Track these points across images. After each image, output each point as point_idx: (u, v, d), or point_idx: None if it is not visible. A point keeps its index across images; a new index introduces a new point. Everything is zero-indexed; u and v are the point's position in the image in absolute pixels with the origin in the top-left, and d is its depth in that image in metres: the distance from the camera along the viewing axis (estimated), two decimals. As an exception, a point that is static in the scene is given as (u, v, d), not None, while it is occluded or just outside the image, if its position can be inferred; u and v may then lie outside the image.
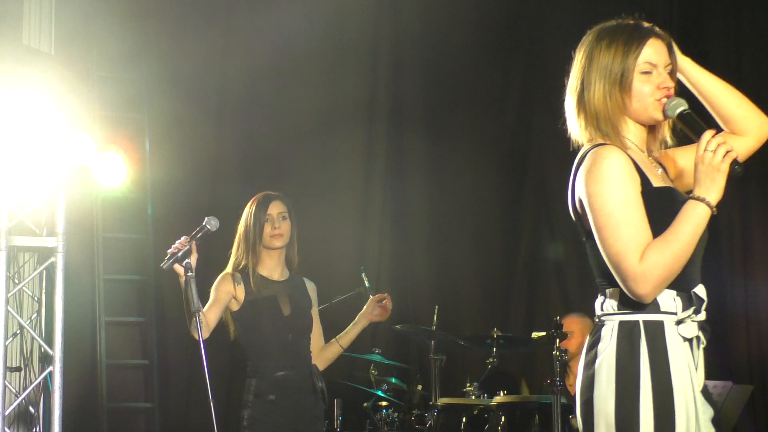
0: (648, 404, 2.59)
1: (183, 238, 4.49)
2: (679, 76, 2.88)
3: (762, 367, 6.92)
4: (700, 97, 2.91)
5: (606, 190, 2.63)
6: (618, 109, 2.75)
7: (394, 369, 6.50)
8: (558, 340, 5.40)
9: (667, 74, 2.77)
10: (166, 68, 7.05)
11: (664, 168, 2.86)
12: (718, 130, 2.75)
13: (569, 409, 5.61)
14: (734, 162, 2.59)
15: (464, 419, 5.66)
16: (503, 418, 5.54)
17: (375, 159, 7.60)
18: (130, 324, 7.06)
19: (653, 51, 2.75)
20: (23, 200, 4.79)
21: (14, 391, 5.32)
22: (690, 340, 2.67)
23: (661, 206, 2.66)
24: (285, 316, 4.87)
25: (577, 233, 2.82)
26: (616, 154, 2.66)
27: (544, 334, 5.61)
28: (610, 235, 2.62)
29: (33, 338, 5.08)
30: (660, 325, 2.65)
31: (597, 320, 2.78)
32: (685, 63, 2.90)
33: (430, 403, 5.83)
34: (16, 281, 5.33)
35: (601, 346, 2.68)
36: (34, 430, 5.46)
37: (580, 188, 2.71)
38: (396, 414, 5.99)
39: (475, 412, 5.70)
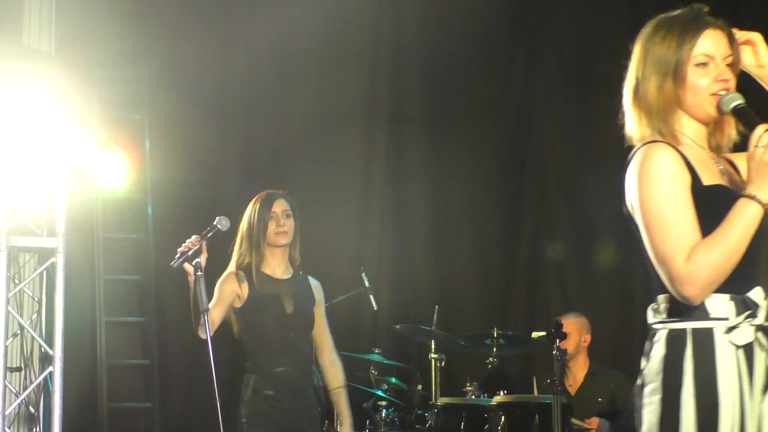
0: (690, 417, 2.50)
1: (194, 237, 4.48)
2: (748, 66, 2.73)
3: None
4: (762, 82, 2.76)
5: (652, 188, 2.54)
6: (671, 103, 2.63)
7: (394, 369, 6.50)
8: (558, 340, 5.40)
9: (726, 66, 2.63)
10: (166, 68, 7.05)
11: (734, 166, 2.72)
12: None
13: (569, 409, 5.62)
14: None
15: (464, 419, 5.66)
16: (503, 418, 5.53)
17: (375, 159, 7.60)
18: (130, 324, 7.06)
19: (711, 42, 2.62)
20: (24, 201, 4.79)
21: (14, 391, 5.32)
22: (748, 346, 2.54)
23: (712, 205, 2.54)
24: (288, 314, 4.85)
25: (627, 236, 2.68)
26: (664, 152, 2.56)
27: (544, 334, 5.61)
28: (656, 235, 2.53)
29: (33, 338, 5.08)
30: (709, 332, 2.54)
31: (650, 328, 2.66)
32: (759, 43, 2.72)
33: (430, 403, 5.83)
34: (17, 281, 5.33)
35: (650, 355, 2.60)
36: (34, 430, 5.46)
37: (629, 188, 2.61)
38: (396, 414, 5.99)
39: (475, 413, 5.70)
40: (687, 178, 2.57)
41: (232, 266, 4.88)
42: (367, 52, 7.64)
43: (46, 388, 5.23)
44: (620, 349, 7.27)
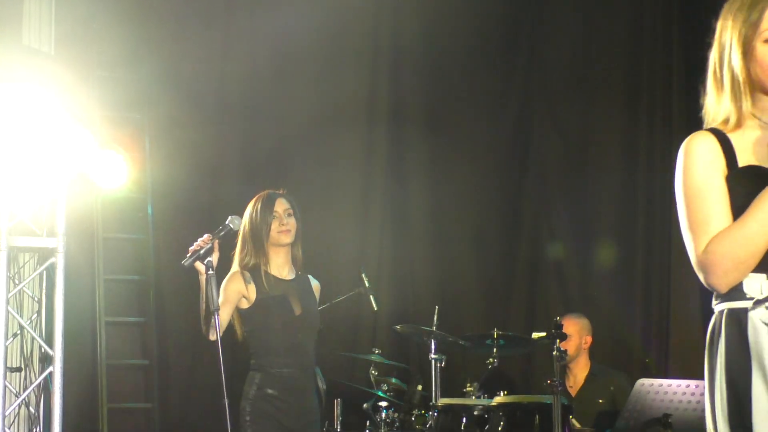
0: (722, 396, 2.50)
1: (206, 235, 4.47)
2: None
3: None
4: None
5: (682, 177, 2.55)
6: (744, 80, 2.58)
7: (394, 369, 6.50)
8: (558, 341, 5.40)
9: None
10: (166, 68, 7.04)
11: None
12: None
13: (569, 409, 5.61)
14: None
15: (464, 419, 5.65)
16: (503, 418, 5.53)
17: (375, 159, 7.60)
18: (130, 324, 7.06)
19: None
20: (24, 201, 4.79)
21: (14, 391, 5.33)
22: None
23: (742, 186, 2.53)
24: (296, 316, 4.83)
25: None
26: (697, 140, 2.56)
27: (544, 334, 5.60)
28: (683, 222, 2.55)
29: (33, 338, 5.08)
30: (743, 312, 2.51)
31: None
32: None
33: (430, 403, 5.83)
34: (17, 282, 5.33)
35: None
36: (34, 430, 5.46)
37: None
38: (396, 414, 5.99)
39: (476, 413, 5.70)
40: (720, 164, 2.55)
41: (236, 267, 4.86)
42: (367, 52, 7.64)
43: (46, 388, 5.24)
44: (620, 349, 7.28)
